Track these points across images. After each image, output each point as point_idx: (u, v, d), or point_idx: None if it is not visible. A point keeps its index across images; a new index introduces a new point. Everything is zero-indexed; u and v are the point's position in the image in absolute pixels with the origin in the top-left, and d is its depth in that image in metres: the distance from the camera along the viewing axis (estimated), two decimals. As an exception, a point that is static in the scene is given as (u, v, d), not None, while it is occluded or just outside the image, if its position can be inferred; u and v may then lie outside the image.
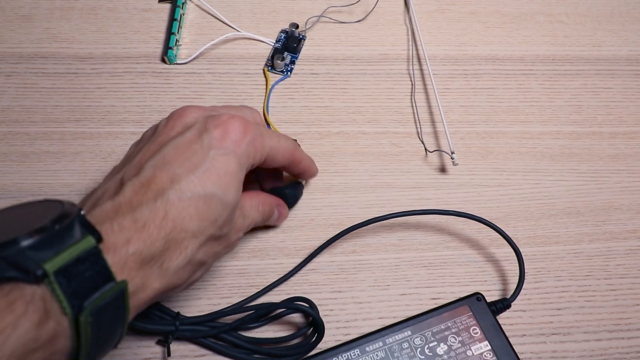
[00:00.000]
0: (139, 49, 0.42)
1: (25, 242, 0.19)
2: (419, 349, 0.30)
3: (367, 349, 0.30)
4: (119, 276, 0.21)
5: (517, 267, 0.33)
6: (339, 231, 0.34)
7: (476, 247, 0.36)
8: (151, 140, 0.27)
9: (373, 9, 0.45)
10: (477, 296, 0.32)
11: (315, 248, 0.34)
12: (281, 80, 0.41)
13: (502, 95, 0.42)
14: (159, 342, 0.31)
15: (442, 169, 0.39)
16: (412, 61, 0.43)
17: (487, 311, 0.31)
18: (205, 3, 0.44)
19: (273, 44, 0.43)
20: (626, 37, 0.46)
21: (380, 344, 0.30)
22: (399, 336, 0.30)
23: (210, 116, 0.27)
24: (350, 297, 0.34)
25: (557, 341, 0.33)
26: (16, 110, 0.39)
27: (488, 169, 0.39)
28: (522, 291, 0.32)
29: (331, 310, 0.33)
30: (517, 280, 0.33)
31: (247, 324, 0.31)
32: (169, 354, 0.30)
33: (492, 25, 0.46)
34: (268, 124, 0.39)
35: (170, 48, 0.40)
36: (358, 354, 0.29)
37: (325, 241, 0.34)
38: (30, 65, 0.40)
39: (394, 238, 0.36)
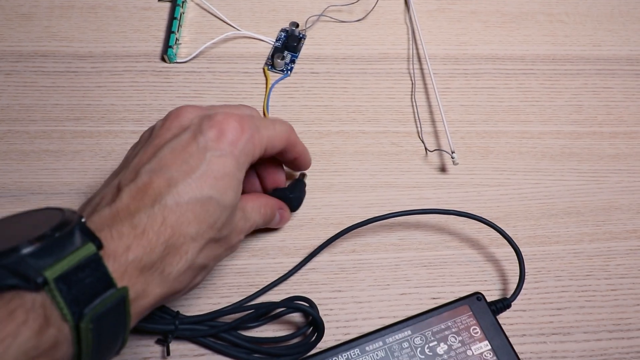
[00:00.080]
0: (138, 48, 0.42)
1: (26, 250, 0.19)
2: (419, 349, 0.30)
3: (367, 348, 0.30)
4: (120, 283, 0.21)
5: (517, 267, 0.33)
6: (338, 230, 0.33)
7: (476, 246, 0.36)
8: (147, 143, 0.26)
9: (373, 8, 0.45)
10: (477, 296, 0.32)
11: (315, 247, 0.34)
12: (281, 79, 0.41)
13: (503, 94, 0.42)
14: (158, 341, 0.31)
15: (442, 169, 0.39)
16: (413, 60, 0.43)
17: (487, 311, 0.31)
18: (205, 2, 0.44)
19: (273, 43, 0.43)
20: (627, 36, 0.46)
21: (380, 343, 0.30)
22: (399, 336, 0.30)
23: (205, 116, 0.26)
24: (350, 296, 0.33)
25: (557, 341, 0.33)
26: (16, 108, 0.38)
27: (488, 168, 0.39)
28: (522, 291, 0.32)
29: (331, 309, 0.33)
30: (517, 280, 0.33)
31: (246, 323, 0.31)
32: (168, 353, 0.30)
33: (492, 25, 0.46)
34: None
35: (170, 47, 0.40)
36: (358, 354, 0.29)
37: (325, 240, 0.34)
38: (29, 63, 0.40)
39: (393, 237, 0.36)
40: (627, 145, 0.41)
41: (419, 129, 0.40)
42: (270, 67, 0.42)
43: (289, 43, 0.42)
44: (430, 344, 0.30)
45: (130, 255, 0.22)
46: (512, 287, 0.33)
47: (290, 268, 0.34)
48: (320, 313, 0.31)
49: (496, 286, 0.34)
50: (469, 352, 0.30)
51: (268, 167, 0.32)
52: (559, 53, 0.44)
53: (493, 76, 0.43)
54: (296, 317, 0.32)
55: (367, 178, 0.38)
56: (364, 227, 0.33)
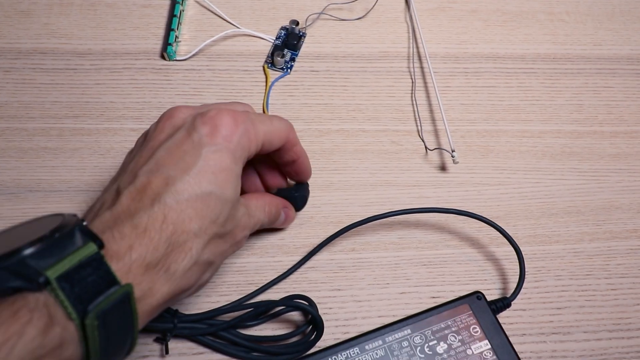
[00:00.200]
0: (138, 45, 0.42)
1: (27, 251, 0.20)
2: (419, 348, 0.30)
3: (366, 347, 0.30)
4: (124, 281, 0.21)
5: (518, 266, 0.33)
6: (338, 229, 0.33)
7: (476, 245, 0.36)
8: (143, 147, 0.27)
9: (374, 6, 0.45)
10: (477, 295, 0.32)
11: (315, 246, 0.34)
12: (281, 77, 0.41)
13: (503, 93, 0.42)
14: (157, 340, 0.31)
15: (443, 167, 0.38)
16: (413, 59, 0.43)
17: (487, 310, 0.31)
18: (205, -1, 0.44)
19: (273, 41, 0.43)
20: (627, 36, 0.46)
21: (380, 342, 0.30)
22: (398, 335, 0.30)
23: (198, 114, 0.27)
24: (350, 295, 0.33)
25: (557, 340, 0.33)
26: (14, 106, 0.38)
27: (488, 167, 0.39)
28: (522, 290, 0.32)
29: (330, 308, 0.33)
30: (517, 279, 0.32)
31: (245, 321, 0.31)
32: (167, 352, 0.30)
33: (493, 24, 0.45)
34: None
35: (170, 44, 0.40)
36: (357, 353, 0.29)
37: (324, 239, 0.34)
38: (28, 60, 0.40)
39: (393, 236, 0.36)
40: (627, 145, 0.41)
41: (419, 127, 0.40)
42: (270, 65, 0.42)
43: (289, 41, 0.42)
44: (430, 343, 0.30)
45: (133, 254, 0.22)
46: (512, 286, 0.33)
47: (289, 266, 0.34)
48: (320, 312, 0.31)
49: (496, 285, 0.34)
50: (469, 351, 0.30)
51: (269, 166, 0.32)
52: (559, 52, 0.44)
53: (493, 75, 0.43)
54: (295, 315, 0.32)
55: (367, 176, 0.38)
56: (364, 225, 0.33)
